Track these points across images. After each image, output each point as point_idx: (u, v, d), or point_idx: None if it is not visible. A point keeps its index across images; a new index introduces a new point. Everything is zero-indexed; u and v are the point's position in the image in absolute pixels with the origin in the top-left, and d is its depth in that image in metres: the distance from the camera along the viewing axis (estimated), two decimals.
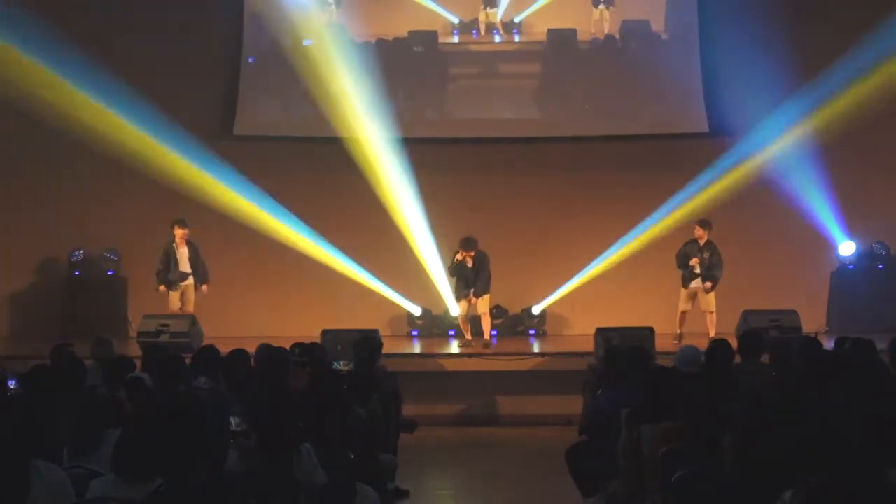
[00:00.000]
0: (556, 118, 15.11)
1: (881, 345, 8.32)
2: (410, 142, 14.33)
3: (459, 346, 12.98)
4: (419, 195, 14.13)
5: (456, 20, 15.42)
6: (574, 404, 10.09)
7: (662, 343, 11.72)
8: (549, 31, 15.26)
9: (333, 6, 15.06)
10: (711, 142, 14.56)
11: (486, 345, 12.81)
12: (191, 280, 13.06)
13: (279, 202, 14.53)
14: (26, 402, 6.12)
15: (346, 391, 6.52)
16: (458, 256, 12.68)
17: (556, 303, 14.57)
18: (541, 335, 14.38)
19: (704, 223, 12.82)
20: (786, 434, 4.30)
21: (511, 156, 14.83)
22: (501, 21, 15.38)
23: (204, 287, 13.11)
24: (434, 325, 14.44)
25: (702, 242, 12.77)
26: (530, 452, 10.43)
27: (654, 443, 5.58)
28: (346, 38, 14.75)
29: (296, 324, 12.93)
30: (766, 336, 9.79)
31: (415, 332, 14.37)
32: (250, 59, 15.12)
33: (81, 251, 14.65)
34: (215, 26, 14.95)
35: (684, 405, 5.47)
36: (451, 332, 14.04)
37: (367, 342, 8.98)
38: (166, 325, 12.37)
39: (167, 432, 4.17)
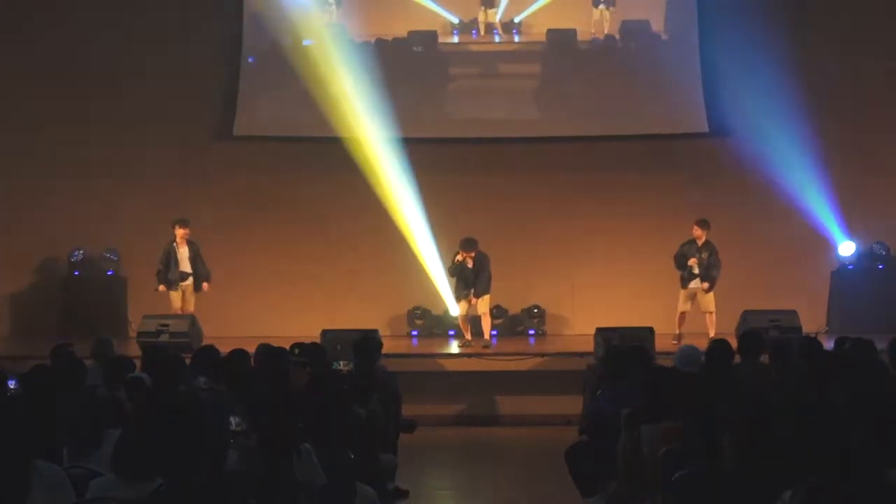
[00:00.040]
0: (556, 118, 15.10)
1: (881, 345, 8.32)
2: (410, 142, 14.33)
3: (459, 346, 12.98)
4: (419, 195, 14.13)
5: (456, 20, 15.42)
6: (574, 404, 10.09)
7: (662, 343, 11.71)
8: (549, 31, 15.25)
9: (333, 6, 15.05)
10: (711, 142, 14.57)
11: (486, 345, 12.81)
12: (191, 280, 13.06)
13: (279, 202, 14.56)
14: (26, 402, 6.13)
15: (346, 391, 6.52)
16: (459, 257, 12.68)
17: (555, 303, 14.58)
18: (541, 335, 14.37)
19: (703, 223, 12.82)
20: (786, 434, 4.31)
21: (511, 156, 14.83)
22: (501, 21, 15.37)
23: (205, 285, 13.09)
24: (434, 325, 14.43)
25: (700, 242, 12.76)
26: (530, 452, 10.43)
27: (654, 443, 5.58)
28: (346, 38, 14.76)
29: (296, 324, 12.92)
30: (766, 336, 9.78)
31: (415, 332, 14.37)
32: (250, 59, 15.12)
33: (81, 251, 14.64)
34: (215, 26, 14.95)
35: (684, 405, 5.48)
36: (451, 332, 14.04)
37: (367, 342, 8.97)
38: (166, 325, 12.36)
39: (167, 432, 4.17)
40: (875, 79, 14.48)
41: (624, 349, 8.30)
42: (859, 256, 14.35)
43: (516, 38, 15.52)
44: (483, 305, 12.89)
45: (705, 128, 14.66)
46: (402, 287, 14.39)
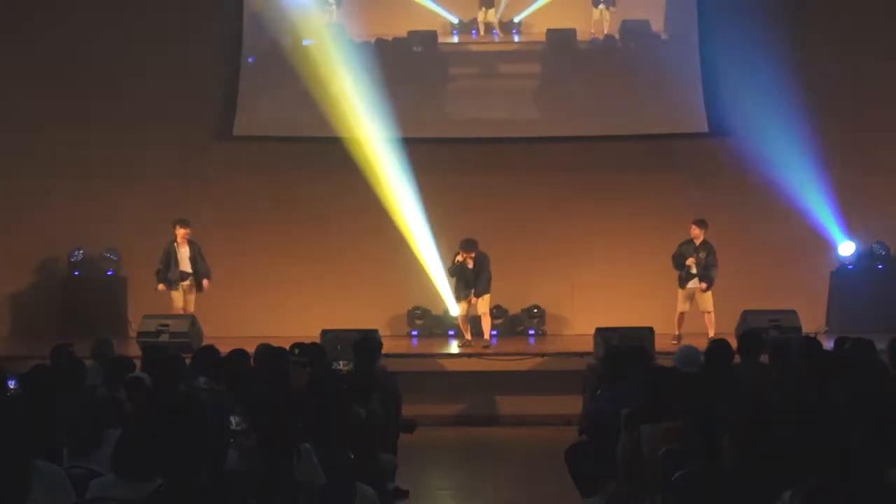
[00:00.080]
0: (556, 118, 15.10)
1: (881, 345, 8.32)
2: (410, 142, 14.33)
3: (459, 346, 12.98)
4: (419, 195, 14.13)
5: (455, 20, 15.42)
6: (574, 404, 10.09)
7: (662, 343, 11.72)
8: (549, 31, 15.24)
9: (334, 6, 15.05)
10: (711, 142, 14.57)
11: (486, 345, 12.82)
12: (191, 280, 13.05)
13: (279, 202, 14.56)
14: (26, 402, 6.13)
15: (346, 391, 6.52)
16: (459, 258, 12.68)
17: (555, 303, 14.58)
18: (541, 335, 14.38)
19: (700, 223, 12.81)
20: (786, 434, 4.31)
21: (511, 156, 14.82)
22: (501, 21, 15.36)
23: (205, 282, 13.07)
24: (434, 325, 14.43)
25: (698, 242, 12.76)
26: (530, 452, 10.43)
27: (654, 443, 5.58)
28: (346, 38, 14.75)
29: (296, 324, 12.92)
30: (766, 336, 9.78)
31: (415, 332, 14.37)
32: (250, 59, 15.12)
33: (81, 251, 14.64)
34: (215, 26, 14.94)
35: (684, 405, 5.48)
36: (451, 332, 14.04)
37: (367, 342, 8.97)
38: (166, 325, 12.37)
39: (167, 432, 4.17)
40: (875, 79, 14.47)
41: (624, 349, 8.31)
42: (859, 256, 14.35)
43: (516, 38, 15.52)
44: (483, 305, 12.89)
45: (705, 128, 14.66)
46: (402, 287, 14.39)
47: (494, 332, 13.50)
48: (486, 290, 12.79)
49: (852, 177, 14.18)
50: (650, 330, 11.53)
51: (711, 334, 12.23)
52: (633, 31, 15.22)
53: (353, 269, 14.47)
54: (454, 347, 13.14)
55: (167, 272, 12.97)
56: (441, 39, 15.35)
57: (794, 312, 12.29)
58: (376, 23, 15.19)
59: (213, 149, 14.78)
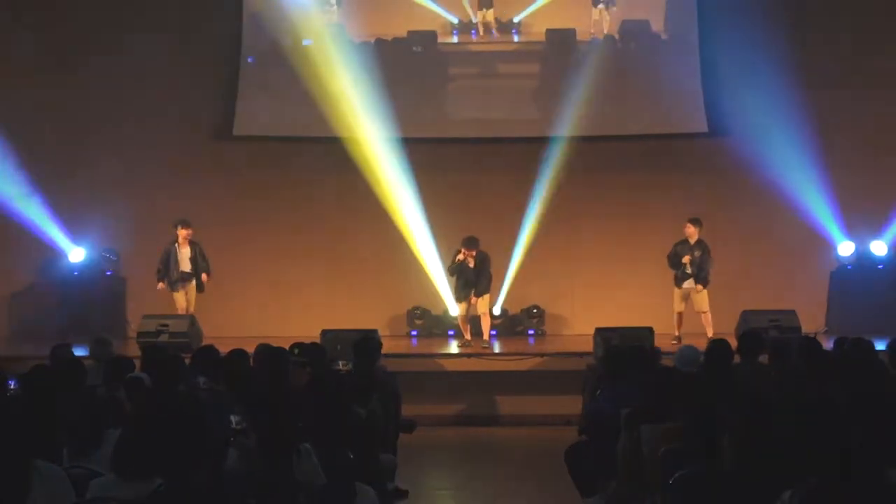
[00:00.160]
0: (556, 118, 15.08)
1: (881, 345, 8.32)
2: (410, 142, 14.33)
3: (459, 346, 12.98)
4: (419, 195, 14.14)
5: (455, 20, 15.42)
6: (574, 404, 10.09)
7: (662, 343, 11.64)
8: (549, 31, 15.24)
9: (334, 6, 15.04)
10: (711, 142, 14.56)
11: (486, 345, 12.81)
12: (192, 280, 13.04)
13: (279, 202, 14.55)
14: (26, 402, 6.13)
15: (346, 391, 6.52)
16: (460, 256, 12.67)
17: (555, 303, 14.58)
18: (540, 335, 14.37)
19: (695, 221, 12.81)
20: (785, 434, 4.31)
21: (511, 156, 14.82)
22: (501, 21, 15.35)
23: (204, 276, 13.04)
24: (434, 325, 14.43)
25: (693, 240, 12.75)
26: (530, 452, 10.43)
27: (654, 443, 5.58)
28: (346, 38, 14.75)
29: (296, 324, 12.93)
30: (766, 336, 9.76)
31: (414, 332, 14.37)
32: (250, 59, 15.11)
33: (81, 251, 14.63)
34: (215, 26, 14.94)
35: (684, 405, 5.48)
36: (451, 332, 14.04)
37: (366, 342, 8.97)
38: (166, 325, 12.37)
39: (167, 432, 4.17)
40: (875, 79, 14.47)
41: (623, 349, 8.30)
42: (858, 256, 14.35)
43: (516, 38, 15.51)
44: (483, 305, 12.89)
45: (705, 128, 14.65)
46: (401, 287, 14.39)
47: (494, 332, 13.50)
48: (487, 290, 12.78)
49: (852, 177, 14.18)
50: (650, 330, 11.54)
51: (710, 334, 12.23)
52: (633, 31, 15.22)
53: (353, 270, 14.48)
54: (454, 347, 13.14)
55: (167, 272, 12.97)
56: (441, 39, 15.35)
57: (793, 312, 12.29)
58: (376, 23, 15.18)
59: (213, 149, 14.78)
